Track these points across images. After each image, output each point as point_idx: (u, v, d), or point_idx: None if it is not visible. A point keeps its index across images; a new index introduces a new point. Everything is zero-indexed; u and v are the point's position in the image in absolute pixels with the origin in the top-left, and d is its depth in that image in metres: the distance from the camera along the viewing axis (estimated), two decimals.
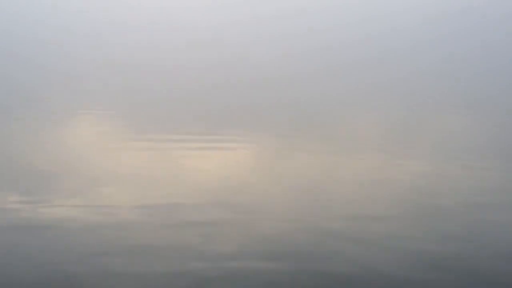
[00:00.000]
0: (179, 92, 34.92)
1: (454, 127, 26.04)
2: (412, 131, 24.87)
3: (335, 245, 12.57)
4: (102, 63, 49.09)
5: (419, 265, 11.67)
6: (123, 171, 18.05)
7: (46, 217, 13.94)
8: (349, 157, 20.31)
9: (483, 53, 62.55)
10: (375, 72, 46.39)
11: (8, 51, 57.93)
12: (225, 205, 15.05)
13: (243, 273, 11.14)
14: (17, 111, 28.08)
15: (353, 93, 35.74)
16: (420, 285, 10.80)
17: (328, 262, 11.69)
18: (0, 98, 31.77)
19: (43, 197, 15.47)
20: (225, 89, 36.41)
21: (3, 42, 66.81)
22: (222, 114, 28.23)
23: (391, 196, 16.07)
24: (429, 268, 11.54)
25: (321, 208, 14.93)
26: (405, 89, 37.80)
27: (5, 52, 57.03)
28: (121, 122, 25.93)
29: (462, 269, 11.49)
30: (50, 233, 12.98)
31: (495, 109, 30.72)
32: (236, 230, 13.32)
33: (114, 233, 13.01)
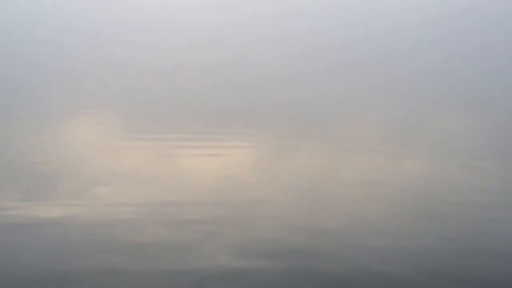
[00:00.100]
0: (179, 92, 34.92)
1: (454, 127, 26.04)
2: (412, 131, 24.87)
3: (335, 244, 12.57)
4: (102, 63, 49.09)
5: (419, 265, 11.67)
6: (123, 170, 18.05)
7: (46, 217, 13.95)
8: (349, 157, 20.31)
9: (483, 53, 62.57)
10: (375, 72, 46.40)
11: (8, 51, 57.95)
12: (225, 205, 15.05)
13: (243, 272, 11.14)
14: (17, 111, 28.08)
15: (353, 93, 35.74)
16: (420, 284, 10.80)
17: (328, 261, 11.69)
18: (0, 98, 31.77)
19: (43, 196, 15.47)
20: (225, 89, 36.41)
21: (3, 42, 66.83)
22: (222, 114, 28.23)
23: (391, 196, 16.07)
24: (429, 267, 11.54)
25: (320, 208, 14.93)
26: (405, 89, 37.80)
27: (5, 52, 57.05)
28: (121, 122, 25.93)
29: (462, 269, 11.49)
30: (50, 232, 12.99)
31: (495, 109, 30.72)
32: (236, 230, 13.32)
33: (113, 232, 13.01)
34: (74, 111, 28.37)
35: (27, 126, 24.60)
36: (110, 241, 12.54)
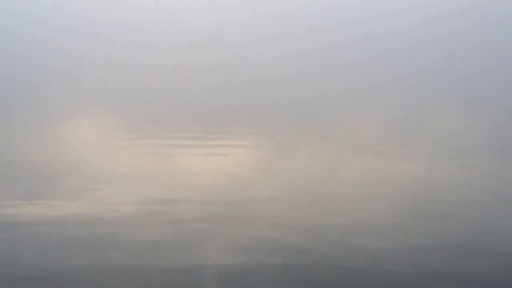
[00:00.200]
0: (179, 92, 34.92)
1: (454, 127, 26.04)
2: (412, 131, 24.87)
3: (334, 244, 12.57)
4: (102, 63, 49.09)
5: (419, 265, 11.67)
6: (123, 170, 18.04)
7: (46, 216, 13.94)
8: (349, 157, 20.31)
9: (483, 53, 62.58)
10: (375, 72, 46.40)
11: (8, 51, 57.96)
12: (225, 204, 15.04)
13: (242, 270, 11.14)
14: (17, 111, 28.08)
15: (353, 93, 35.74)
16: (420, 284, 10.80)
17: (327, 260, 11.69)
18: (0, 98, 31.77)
19: (43, 196, 15.47)
20: (225, 89, 36.41)
21: (3, 42, 66.84)
22: (222, 114, 28.23)
23: (390, 196, 16.07)
24: (428, 267, 11.54)
25: (320, 208, 14.93)
26: (405, 89, 37.80)
27: (5, 52, 57.05)
28: (121, 122, 25.93)
29: (462, 270, 11.49)
30: (49, 231, 12.98)
31: (495, 109, 30.72)
32: (235, 230, 13.32)
33: (113, 232, 13.01)
34: (74, 111, 28.37)
35: (27, 126, 24.60)
36: (110, 240, 12.53)
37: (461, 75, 46.05)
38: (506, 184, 17.40)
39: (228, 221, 13.88)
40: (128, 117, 27.07)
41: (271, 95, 34.25)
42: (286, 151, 20.98)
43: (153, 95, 33.74)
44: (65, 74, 42.73)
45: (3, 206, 14.75)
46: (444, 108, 30.94)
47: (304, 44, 69.74)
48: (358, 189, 16.58)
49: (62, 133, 23.38)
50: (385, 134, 24.25)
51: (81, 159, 19.34)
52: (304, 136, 23.65)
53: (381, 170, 18.65)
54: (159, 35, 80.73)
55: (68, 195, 15.67)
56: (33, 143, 21.62)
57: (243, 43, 70.14)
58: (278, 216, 14.31)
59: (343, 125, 25.98)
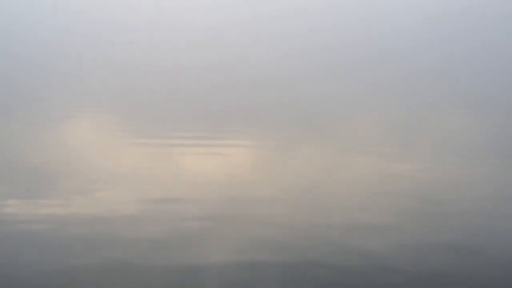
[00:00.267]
0: (179, 92, 34.92)
1: (454, 127, 26.04)
2: (412, 131, 24.87)
3: (334, 244, 12.58)
4: (102, 63, 49.09)
5: (419, 264, 11.67)
6: (123, 170, 18.05)
7: (46, 216, 13.95)
8: (349, 157, 20.31)
9: (483, 53, 62.58)
10: (375, 72, 46.39)
11: (8, 51, 57.94)
12: (225, 204, 15.05)
13: (241, 268, 11.14)
14: (17, 111, 28.08)
15: (353, 93, 35.74)
16: (419, 284, 10.80)
17: (327, 259, 11.69)
18: (0, 98, 31.77)
19: (43, 196, 15.48)
20: (225, 89, 36.41)
21: (3, 42, 66.83)
22: (222, 114, 28.23)
23: (390, 195, 16.07)
24: (428, 268, 11.54)
25: (320, 208, 14.93)
26: (405, 89, 37.80)
27: (5, 52, 57.04)
28: (121, 122, 25.93)
29: (461, 271, 11.50)
30: (49, 231, 12.99)
31: (495, 109, 30.72)
32: (235, 230, 13.32)
33: (113, 231, 13.01)
34: (74, 111, 28.37)
35: (27, 126, 24.60)
36: (110, 239, 12.54)
37: (461, 75, 46.03)
38: (506, 184, 17.40)
39: (228, 221, 13.89)
40: (128, 117, 27.07)
41: (271, 95, 34.24)
42: (286, 151, 20.98)
43: (153, 95, 33.74)
44: (65, 74, 42.72)
45: (3, 205, 14.76)
46: (444, 108, 30.93)
47: (304, 44, 69.73)
48: (358, 189, 16.59)
49: (62, 133, 23.38)
50: (385, 134, 24.25)
51: (81, 159, 19.34)
52: (304, 136, 23.65)
53: (381, 170, 18.65)
54: (159, 35, 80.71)
55: (68, 194, 15.67)
56: (33, 143, 21.62)
57: (243, 43, 70.12)
58: (278, 215, 14.31)
59: (343, 125, 25.98)
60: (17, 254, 11.85)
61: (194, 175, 17.75)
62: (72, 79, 40.11)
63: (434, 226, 13.80)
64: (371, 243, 12.70)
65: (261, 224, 13.73)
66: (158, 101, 31.61)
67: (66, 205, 14.83)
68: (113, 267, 11.29)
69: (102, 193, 15.85)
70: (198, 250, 12.15)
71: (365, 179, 17.62)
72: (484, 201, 15.78)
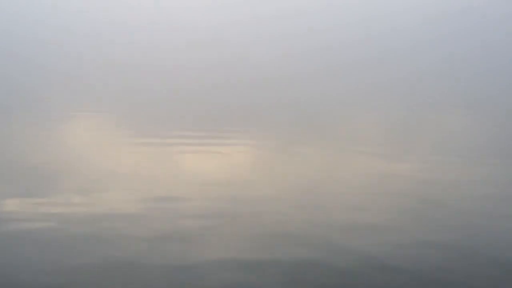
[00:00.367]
0: (179, 92, 34.92)
1: (454, 127, 26.04)
2: (412, 131, 24.87)
3: (334, 244, 12.58)
4: (102, 63, 49.08)
5: (418, 265, 11.67)
6: (123, 170, 18.05)
7: (46, 216, 13.95)
8: (349, 157, 20.31)
9: (483, 53, 62.59)
10: (375, 72, 46.39)
11: (8, 51, 57.94)
12: (225, 204, 15.06)
13: (242, 265, 11.15)
14: (17, 111, 28.09)
15: (353, 93, 35.73)
16: (420, 284, 10.81)
17: (327, 260, 11.70)
18: (0, 98, 31.77)
19: (43, 196, 15.48)
20: (225, 89, 36.40)
21: (3, 42, 66.82)
22: (222, 114, 28.23)
23: (390, 195, 16.08)
24: (428, 268, 11.55)
25: (320, 208, 14.94)
26: (405, 89, 37.80)
27: (5, 52, 57.03)
28: (121, 122, 25.94)
29: (461, 272, 11.50)
30: (49, 231, 12.99)
31: (495, 109, 30.72)
32: (235, 230, 13.33)
33: (112, 230, 13.02)
34: (74, 111, 28.37)
35: (27, 126, 24.60)
36: (109, 238, 12.54)
37: (461, 75, 46.02)
38: (506, 184, 17.40)
39: (228, 221, 13.89)
40: (128, 117, 27.07)
41: (271, 95, 34.24)
42: (286, 151, 20.98)
43: (153, 95, 33.74)
44: (65, 74, 42.71)
45: (3, 204, 14.76)
46: (444, 108, 30.93)
47: (304, 44, 69.72)
48: (358, 189, 16.59)
49: (62, 133, 23.38)
50: (385, 134, 24.25)
51: (81, 159, 19.34)
52: (304, 136, 23.65)
53: (381, 170, 18.65)
54: (159, 35, 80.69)
55: (68, 194, 15.67)
56: (33, 143, 21.62)
57: (243, 43, 70.10)
58: (277, 214, 14.32)
59: (343, 125, 25.98)
60: (16, 253, 11.85)
61: (194, 174, 17.75)
62: (72, 79, 40.09)
63: (434, 226, 13.80)
64: (370, 243, 12.71)
65: (260, 223, 13.74)
66: (158, 101, 31.60)
67: (66, 205, 14.83)
68: (113, 266, 11.30)
69: (102, 193, 15.85)
70: (197, 249, 12.16)
71: (365, 179, 17.62)
72: (484, 201, 15.79)
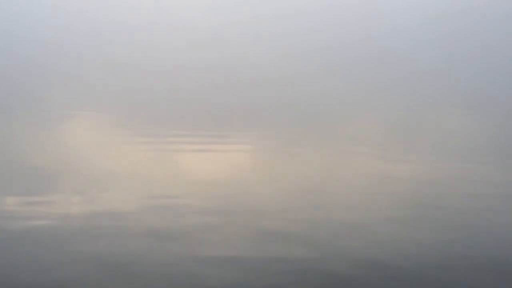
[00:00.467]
0: (179, 92, 34.93)
1: (454, 127, 26.04)
2: (412, 131, 24.87)
3: (334, 245, 12.58)
4: (102, 63, 49.10)
5: (418, 265, 11.67)
6: (122, 170, 18.06)
7: (46, 216, 13.95)
8: (349, 157, 20.32)
9: (483, 53, 62.56)
10: (375, 72, 46.41)
11: (8, 51, 57.97)
12: (225, 205, 15.06)
13: (242, 270, 11.15)
14: (17, 111, 28.09)
15: (353, 93, 35.74)
16: (420, 285, 10.80)
17: (327, 261, 11.70)
18: (0, 98, 31.77)
19: (43, 196, 15.49)
20: (225, 89, 36.40)
21: (3, 42, 66.84)
22: (222, 114, 28.23)
23: (390, 196, 16.08)
24: (427, 268, 11.55)
25: (320, 208, 14.94)
26: (405, 89, 37.79)
27: (5, 52, 57.07)
28: (121, 122, 25.94)
29: (461, 272, 11.50)
30: (49, 232, 13.00)
31: (495, 109, 30.72)
32: (235, 230, 13.33)
33: (113, 231, 13.02)
34: (74, 111, 28.38)
35: (27, 126, 24.60)
36: (109, 237, 12.55)
37: (461, 75, 46.03)
38: (506, 184, 17.40)
39: (227, 219, 13.90)
40: (128, 117, 27.08)
41: (271, 95, 34.24)
42: (286, 151, 20.99)
43: (153, 95, 33.74)
44: (65, 74, 42.73)
45: (3, 203, 14.77)
46: (444, 108, 30.93)
47: (304, 44, 69.73)
48: (358, 189, 16.59)
49: (62, 133, 23.38)
50: (385, 134, 24.26)
51: (81, 159, 19.35)
52: (304, 136, 23.66)
53: (381, 170, 18.65)
54: (159, 35, 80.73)
55: (68, 193, 15.68)
56: (33, 143, 21.62)
57: (243, 43, 70.12)
58: (277, 213, 14.32)
59: (343, 125, 25.98)
60: (16, 252, 11.85)
61: (193, 174, 17.76)
62: (72, 79, 40.11)
63: (434, 226, 13.80)
64: (370, 243, 12.70)
65: (260, 223, 13.74)
66: (158, 101, 31.61)
67: (66, 204, 14.83)
68: (112, 264, 11.30)
69: (101, 192, 15.86)
70: (197, 248, 12.16)
71: (365, 179, 17.62)
72: (484, 201, 15.78)
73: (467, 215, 14.63)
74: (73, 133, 23.50)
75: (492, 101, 33.70)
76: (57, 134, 23.17)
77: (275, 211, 14.65)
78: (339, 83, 40.01)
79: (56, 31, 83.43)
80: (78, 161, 19.10)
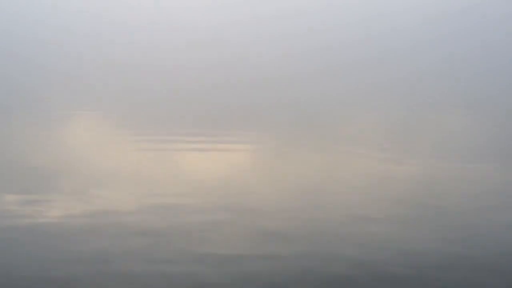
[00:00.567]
0: (179, 92, 34.93)
1: (454, 127, 26.04)
2: (412, 131, 24.88)
3: (334, 245, 12.58)
4: (102, 63, 49.10)
5: (418, 265, 11.67)
6: (122, 170, 18.06)
7: (46, 216, 13.96)
8: (349, 157, 20.32)
9: (483, 53, 62.57)
10: (375, 72, 46.42)
11: (8, 51, 57.98)
12: (225, 205, 15.06)
13: (242, 271, 11.15)
14: (17, 111, 28.09)
15: (353, 93, 35.74)
16: (420, 285, 10.81)
17: (327, 262, 11.70)
18: (0, 98, 31.78)
19: (43, 196, 15.49)
20: (225, 89, 36.41)
21: (3, 42, 66.85)
22: (222, 114, 28.24)
23: (390, 196, 16.08)
24: (427, 268, 11.55)
25: (320, 208, 14.94)
26: (405, 89, 37.80)
27: (5, 52, 57.07)
28: (121, 122, 25.94)
29: (460, 271, 11.50)
30: (49, 232, 13.00)
31: (495, 109, 30.72)
32: (235, 230, 13.33)
33: (113, 230, 13.03)
34: (74, 111, 28.38)
35: (27, 126, 24.60)
36: (109, 236, 12.55)
37: (461, 75, 46.06)
38: (506, 184, 17.40)
39: (228, 222, 13.90)
40: (128, 117, 27.08)
41: (271, 95, 34.25)
42: (286, 151, 20.99)
43: (153, 95, 33.75)
44: (65, 74, 42.74)
45: (3, 203, 14.77)
46: (444, 108, 30.93)
47: (304, 44, 69.73)
48: (358, 189, 16.59)
49: (62, 133, 23.38)
50: (385, 134, 24.26)
51: (81, 159, 19.35)
52: (304, 136, 23.66)
53: (381, 170, 18.65)
54: (159, 35, 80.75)
55: (68, 194, 15.68)
56: (33, 143, 21.62)
57: (243, 43, 70.13)
58: (277, 213, 14.32)
59: (343, 125, 25.99)
60: (15, 251, 11.86)
61: (193, 175, 17.76)
62: (72, 79, 40.11)
63: (434, 226, 13.80)
64: (370, 243, 12.70)
65: (260, 223, 13.74)
66: (158, 101, 31.61)
67: (66, 203, 14.84)
68: (112, 263, 11.30)
69: (101, 192, 15.86)
70: (197, 247, 12.17)
71: (365, 179, 17.62)
72: (484, 201, 15.79)
73: (467, 215, 14.64)
74: (73, 133, 23.50)
75: (492, 101, 33.70)
76: (57, 134, 23.17)
77: (275, 211, 14.66)
78: (339, 83, 40.02)
79: (56, 31, 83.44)
80: (78, 161, 19.11)
